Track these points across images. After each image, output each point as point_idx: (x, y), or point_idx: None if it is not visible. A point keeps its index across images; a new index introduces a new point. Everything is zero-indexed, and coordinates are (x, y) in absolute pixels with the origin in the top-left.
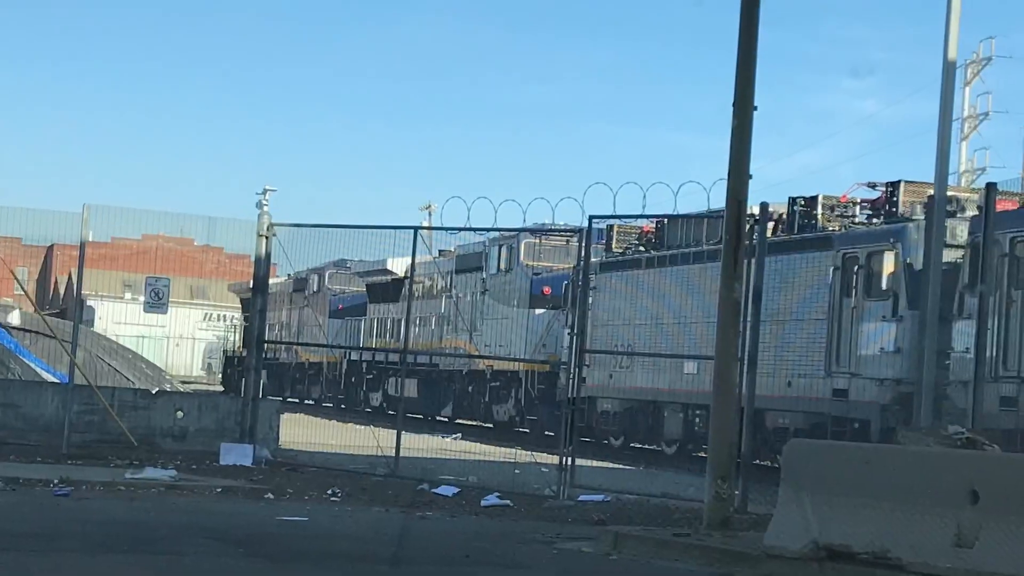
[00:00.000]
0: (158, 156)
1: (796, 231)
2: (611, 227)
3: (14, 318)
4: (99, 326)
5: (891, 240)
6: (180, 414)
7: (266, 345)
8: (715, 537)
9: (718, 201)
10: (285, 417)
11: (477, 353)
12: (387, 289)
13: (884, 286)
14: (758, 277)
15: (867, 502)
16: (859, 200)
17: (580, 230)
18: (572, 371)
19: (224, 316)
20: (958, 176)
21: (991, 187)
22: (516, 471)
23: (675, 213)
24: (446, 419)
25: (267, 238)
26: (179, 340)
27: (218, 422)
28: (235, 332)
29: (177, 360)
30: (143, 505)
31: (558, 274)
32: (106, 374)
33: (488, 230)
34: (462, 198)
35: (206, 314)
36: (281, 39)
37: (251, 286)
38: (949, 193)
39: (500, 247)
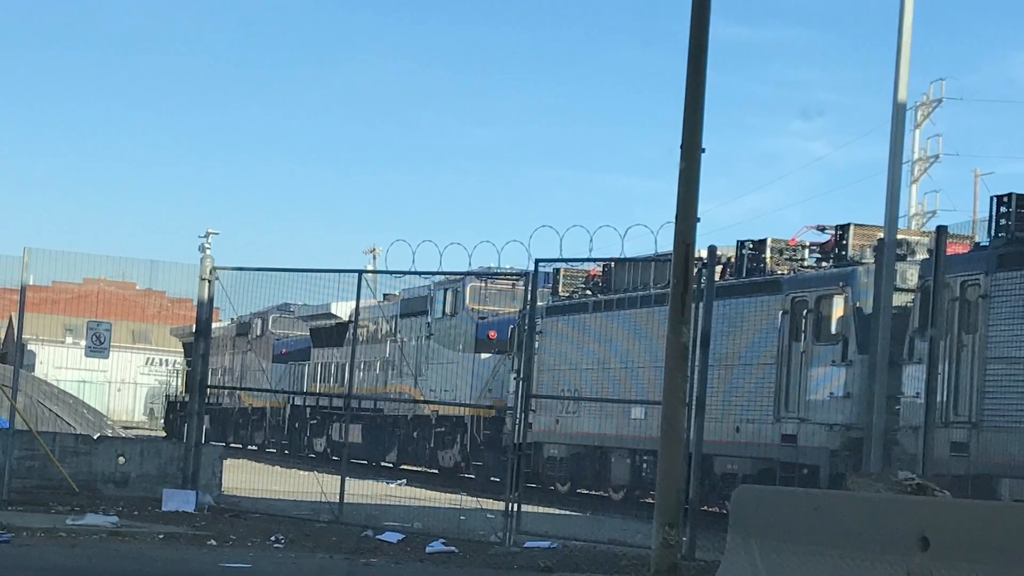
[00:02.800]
0: (99, 199)
1: (744, 275)
2: (558, 271)
3: None
4: (40, 371)
5: (840, 284)
6: (122, 460)
7: (209, 390)
8: None
9: (665, 244)
10: (228, 463)
11: (422, 398)
12: (331, 333)
13: (833, 330)
14: (706, 321)
15: (816, 549)
16: (808, 243)
17: (526, 274)
18: (518, 416)
19: (166, 361)
20: (908, 219)
21: (942, 230)
22: (462, 517)
23: (622, 257)
24: (391, 465)
25: (210, 282)
26: (121, 385)
27: (160, 468)
28: (177, 377)
29: (119, 405)
30: (84, 552)
31: (504, 318)
32: (47, 419)
33: (433, 274)
34: (407, 241)
35: (148, 359)
36: (221, 81)
37: (194, 330)
38: (899, 236)
39: (445, 291)
